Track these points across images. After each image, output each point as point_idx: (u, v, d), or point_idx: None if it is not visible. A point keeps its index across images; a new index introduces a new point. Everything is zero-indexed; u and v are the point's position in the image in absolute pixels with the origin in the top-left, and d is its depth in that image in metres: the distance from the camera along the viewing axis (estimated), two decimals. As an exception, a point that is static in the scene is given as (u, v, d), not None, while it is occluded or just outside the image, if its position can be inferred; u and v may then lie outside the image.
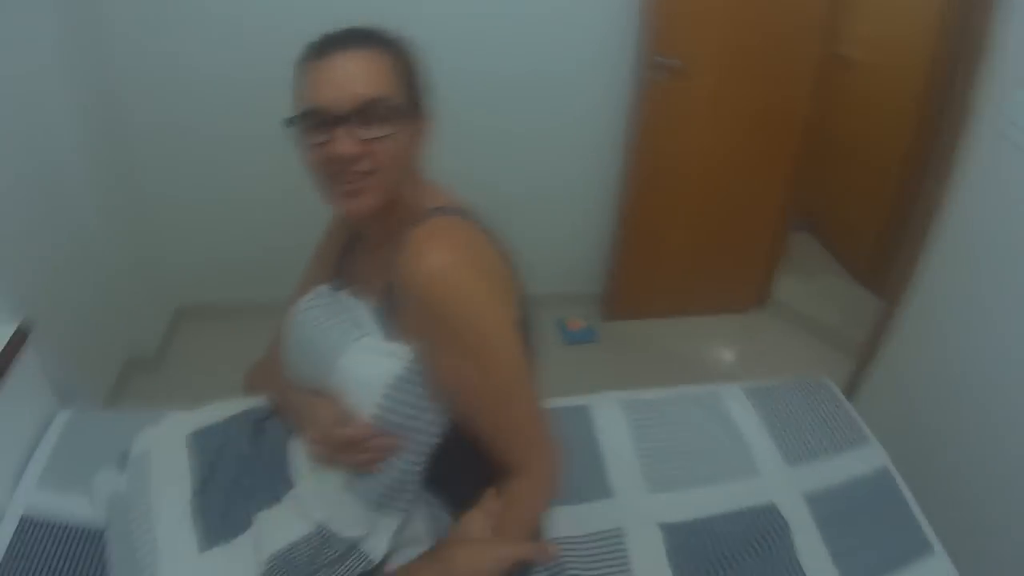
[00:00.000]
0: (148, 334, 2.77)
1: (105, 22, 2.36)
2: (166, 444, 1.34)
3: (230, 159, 2.71)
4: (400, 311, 1.03)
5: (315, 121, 0.95)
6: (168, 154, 2.67)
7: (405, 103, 0.99)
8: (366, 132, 0.94)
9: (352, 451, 1.03)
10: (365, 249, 1.19)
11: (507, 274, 1.08)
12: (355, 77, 0.95)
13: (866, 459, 1.65)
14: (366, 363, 1.03)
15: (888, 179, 3.39)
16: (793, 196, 3.09)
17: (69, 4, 2.16)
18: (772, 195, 3.04)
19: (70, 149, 2.24)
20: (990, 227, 1.87)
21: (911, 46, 3.21)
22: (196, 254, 2.92)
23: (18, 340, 1.52)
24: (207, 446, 1.32)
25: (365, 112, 0.94)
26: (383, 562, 1.08)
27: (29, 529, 1.34)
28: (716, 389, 1.83)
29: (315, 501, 1.11)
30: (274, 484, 1.19)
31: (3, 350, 1.47)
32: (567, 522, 1.42)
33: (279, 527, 1.12)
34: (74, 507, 1.38)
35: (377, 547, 1.07)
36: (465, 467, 1.08)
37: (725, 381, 1.90)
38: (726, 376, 2.86)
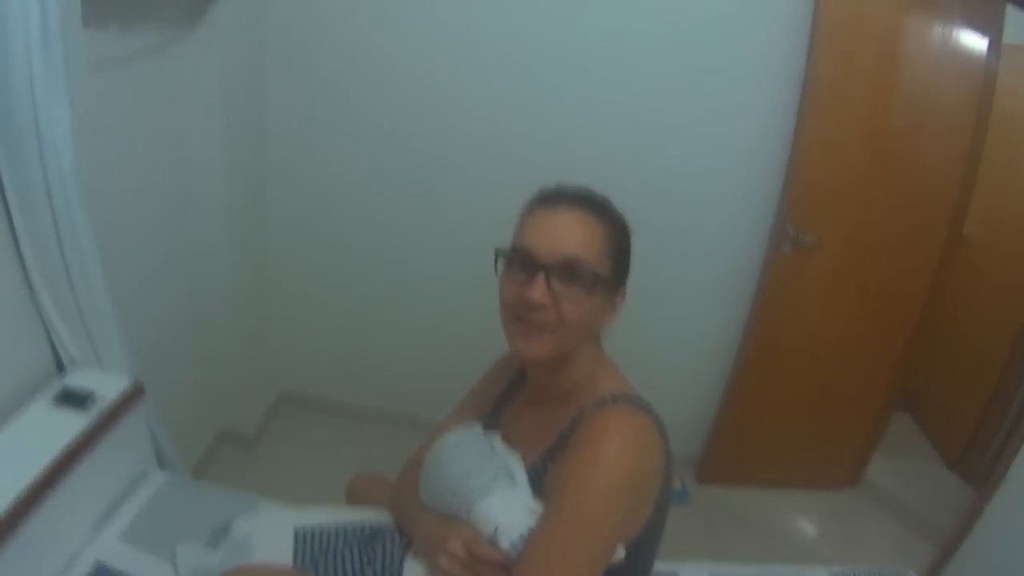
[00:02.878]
0: (248, 412, 2.82)
1: (268, 123, 2.57)
2: (270, 533, 1.36)
3: (361, 266, 2.81)
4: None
5: (521, 261, 1.01)
6: (302, 247, 2.80)
7: (605, 275, 1.03)
8: (560, 287, 0.99)
9: (484, 571, 1.01)
10: (527, 400, 1.22)
11: (659, 479, 1.06)
12: (570, 235, 1.01)
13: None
14: (509, 512, 1.01)
15: (993, 365, 3.24)
16: (901, 376, 2.98)
17: (235, 105, 2.34)
18: (881, 374, 2.95)
19: (212, 227, 2.37)
20: None
21: None
22: (310, 346, 2.99)
23: (131, 394, 1.58)
24: (314, 544, 1.32)
25: (566, 269, 0.99)
26: None
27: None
28: (803, 572, 1.74)
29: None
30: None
31: (115, 402, 1.52)
32: None
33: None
34: (151, 566, 1.38)
35: None
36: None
37: (809, 558, 1.81)
38: (810, 553, 2.73)
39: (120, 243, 1.74)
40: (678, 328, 2.86)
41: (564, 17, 2.41)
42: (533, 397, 1.20)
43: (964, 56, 2.53)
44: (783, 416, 2.97)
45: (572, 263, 1.00)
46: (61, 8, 1.30)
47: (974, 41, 2.52)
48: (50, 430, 1.38)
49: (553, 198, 1.07)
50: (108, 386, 1.54)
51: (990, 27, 2.51)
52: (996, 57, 2.52)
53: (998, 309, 3.30)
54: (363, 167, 2.64)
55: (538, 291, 0.99)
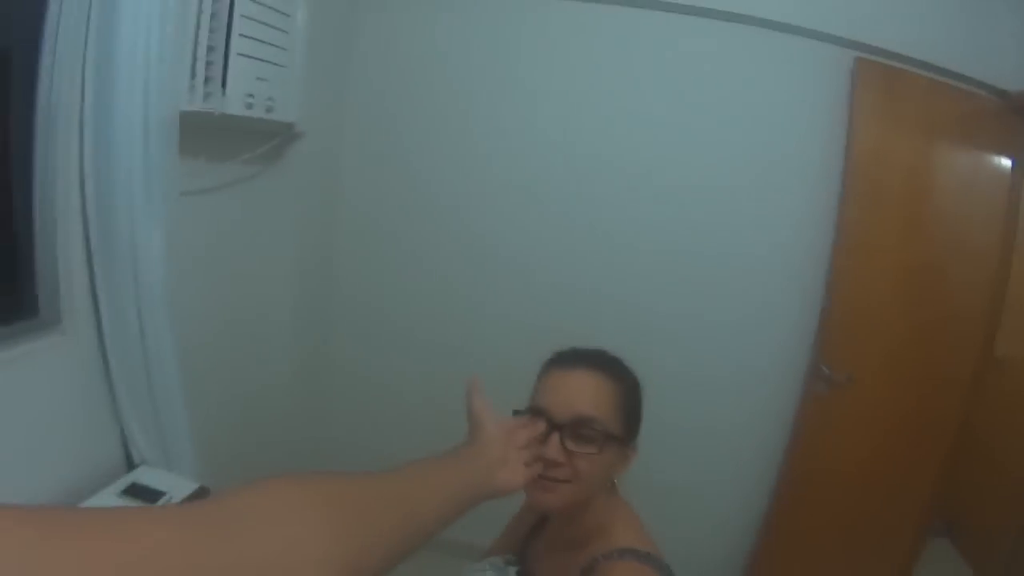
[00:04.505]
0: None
1: (335, 264, 2.80)
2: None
3: (423, 408, 2.90)
4: None
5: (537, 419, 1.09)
6: (366, 380, 2.94)
7: (617, 431, 1.11)
8: (574, 445, 1.06)
9: None
10: (548, 543, 1.27)
11: None
12: (582, 396, 1.10)
13: None
14: None
15: None
16: (937, 501, 2.92)
17: (307, 241, 2.58)
18: (917, 500, 2.89)
19: (278, 343, 2.53)
20: None
21: None
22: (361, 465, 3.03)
23: (196, 498, 1.66)
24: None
25: (579, 427, 1.07)
26: None
27: None
28: None
29: None
30: None
31: (182, 502, 1.61)
32: None
33: None
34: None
35: None
36: None
37: None
38: None
39: (194, 357, 1.87)
40: (717, 466, 2.87)
41: (619, 180, 2.63)
42: (554, 541, 1.25)
43: (988, 181, 2.61)
44: (819, 550, 2.89)
45: (584, 423, 1.07)
46: (162, 140, 1.50)
47: (998, 165, 2.60)
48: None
49: (566, 360, 1.16)
50: (176, 487, 1.63)
51: (1013, 149, 2.59)
52: (1020, 178, 2.59)
53: None
54: (426, 313, 2.84)
55: (552, 450, 1.05)
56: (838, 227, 2.53)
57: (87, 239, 1.49)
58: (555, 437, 1.06)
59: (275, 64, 2.01)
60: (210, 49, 1.70)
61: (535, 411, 1.10)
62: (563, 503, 1.08)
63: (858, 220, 2.51)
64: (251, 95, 1.89)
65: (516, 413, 1.11)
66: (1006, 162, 2.60)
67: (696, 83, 2.57)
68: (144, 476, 1.63)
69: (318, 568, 0.53)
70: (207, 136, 1.86)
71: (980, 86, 2.56)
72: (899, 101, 2.50)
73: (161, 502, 1.56)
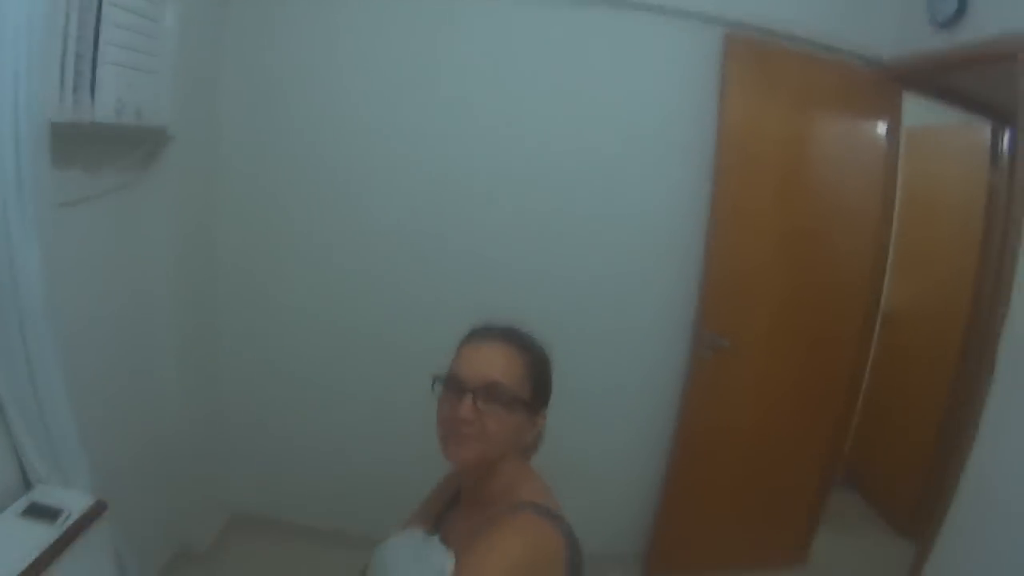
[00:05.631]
0: (202, 531, 2.85)
1: (218, 254, 2.76)
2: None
3: (313, 390, 2.93)
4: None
5: (452, 386, 1.23)
6: (254, 371, 2.92)
7: (524, 396, 1.25)
8: (484, 406, 1.20)
9: None
10: (463, 510, 1.37)
11: None
12: (492, 363, 1.24)
13: None
14: None
15: (928, 433, 3.42)
16: (836, 455, 3.13)
17: (187, 237, 2.54)
18: (815, 455, 3.10)
19: (165, 353, 2.49)
20: (1013, 475, 1.93)
21: (948, 302, 3.39)
22: (263, 467, 3.03)
23: (95, 510, 1.65)
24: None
25: (488, 391, 1.20)
26: None
27: None
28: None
29: None
30: None
31: (82, 517, 1.60)
32: None
33: None
34: None
35: None
36: None
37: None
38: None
39: (80, 368, 1.84)
40: (612, 431, 3.01)
41: (504, 144, 2.71)
42: (466, 507, 1.35)
43: (865, 147, 2.80)
44: (721, 504, 3.05)
45: (493, 386, 1.21)
46: (33, 152, 1.47)
47: (874, 131, 2.78)
48: (18, 542, 1.45)
49: (481, 333, 1.30)
50: (73, 503, 1.62)
51: (888, 115, 2.78)
52: (896, 142, 2.78)
53: (927, 379, 3.50)
54: (313, 296, 2.83)
55: (465, 409, 1.19)
56: (713, 197, 2.67)
57: (-39, 256, 1.45)
58: (468, 398, 1.19)
59: (144, 70, 1.98)
60: (78, 57, 1.67)
61: (451, 377, 1.23)
62: (473, 456, 1.20)
63: (732, 188, 2.65)
64: (120, 101, 1.86)
65: (435, 379, 1.25)
66: (881, 127, 2.79)
67: (570, 65, 2.67)
68: (41, 495, 1.61)
69: None
70: (79, 145, 1.83)
71: (854, 56, 2.74)
72: (771, 74, 2.64)
73: (60, 520, 1.55)
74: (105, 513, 1.69)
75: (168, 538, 2.70)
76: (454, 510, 1.41)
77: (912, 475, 3.52)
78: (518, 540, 1.12)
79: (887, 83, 2.77)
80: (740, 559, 3.18)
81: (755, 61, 2.63)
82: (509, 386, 1.22)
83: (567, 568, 1.16)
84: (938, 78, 2.79)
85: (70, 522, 1.56)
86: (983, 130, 3.30)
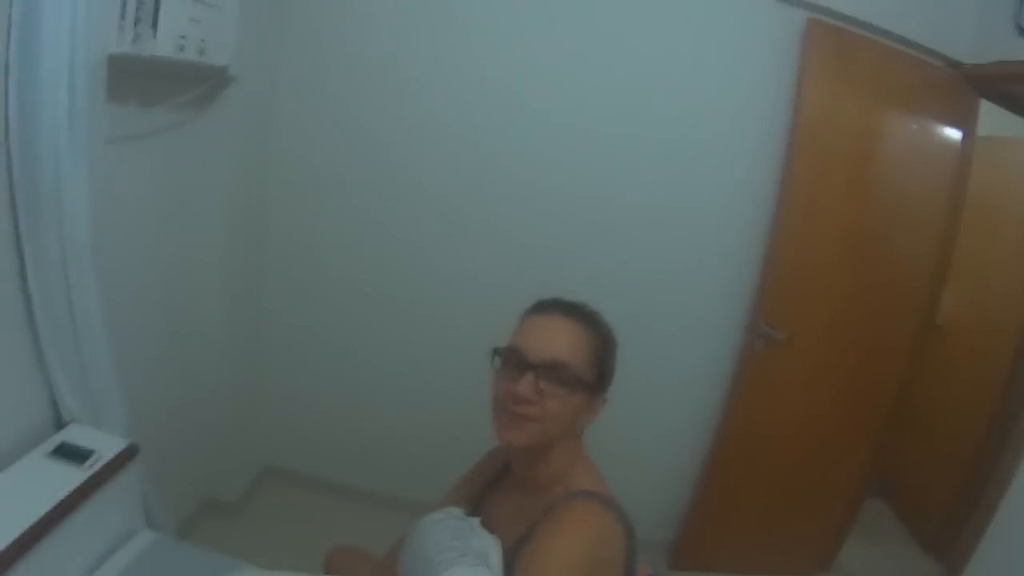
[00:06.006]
0: (233, 482, 2.85)
1: (269, 207, 2.72)
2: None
3: (351, 349, 2.91)
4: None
5: (513, 360, 1.14)
6: (294, 328, 2.89)
7: (588, 378, 1.16)
8: (545, 386, 1.11)
9: None
10: (509, 491, 1.31)
11: (617, 569, 1.12)
12: (557, 340, 1.15)
13: None
14: None
15: (966, 448, 3.32)
16: (874, 463, 3.04)
17: (239, 186, 2.50)
18: (854, 462, 3.01)
19: (209, 303, 2.47)
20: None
21: (1004, 319, 3.27)
22: (297, 423, 3.03)
23: (127, 454, 1.63)
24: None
25: (552, 370, 1.12)
26: None
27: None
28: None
29: None
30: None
31: (112, 460, 1.57)
32: None
33: None
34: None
35: None
36: None
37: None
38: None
39: (123, 311, 1.82)
40: (656, 419, 2.93)
41: (561, 129, 2.60)
42: (515, 487, 1.28)
43: (937, 151, 2.66)
44: (755, 504, 2.99)
45: (557, 366, 1.12)
46: (89, 85, 1.42)
47: (947, 136, 2.64)
48: (47, 482, 1.43)
49: (548, 307, 1.21)
50: (105, 445, 1.59)
51: (963, 121, 2.64)
52: (969, 150, 2.64)
53: (971, 395, 3.39)
54: (359, 259, 2.78)
55: (525, 387, 1.11)
56: (783, 185, 2.56)
57: (11, 188, 1.41)
58: (529, 376, 1.11)
59: (208, 4, 1.91)
60: (141, -12, 1.61)
61: (512, 351, 1.15)
62: (529, 440, 1.13)
63: (803, 179, 2.54)
64: (183, 37, 1.80)
65: (495, 351, 1.18)
66: (955, 133, 2.65)
67: (645, 35, 2.54)
68: (73, 435, 1.59)
69: None
70: (136, 80, 1.77)
71: (933, 55, 2.60)
72: (850, 64, 2.51)
73: (89, 462, 1.52)
74: (136, 457, 1.67)
75: (198, 486, 2.71)
76: (498, 490, 1.35)
77: (944, 492, 3.43)
78: (583, 533, 1.06)
79: (965, 87, 2.62)
80: (766, 561, 3.13)
81: (835, 49, 2.50)
82: (574, 367, 1.14)
83: (626, 556, 1.12)
84: (1018, 89, 2.61)
85: (100, 465, 1.54)
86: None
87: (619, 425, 2.71)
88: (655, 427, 2.94)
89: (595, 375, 1.18)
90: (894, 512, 3.86)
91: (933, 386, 3.56)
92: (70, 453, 1.52)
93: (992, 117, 2.84)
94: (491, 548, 1.14)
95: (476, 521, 1.22)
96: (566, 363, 1.13)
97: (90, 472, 1.50)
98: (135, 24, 1.61)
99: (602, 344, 1.21)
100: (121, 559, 1.58)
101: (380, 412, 2.97)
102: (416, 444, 2.90)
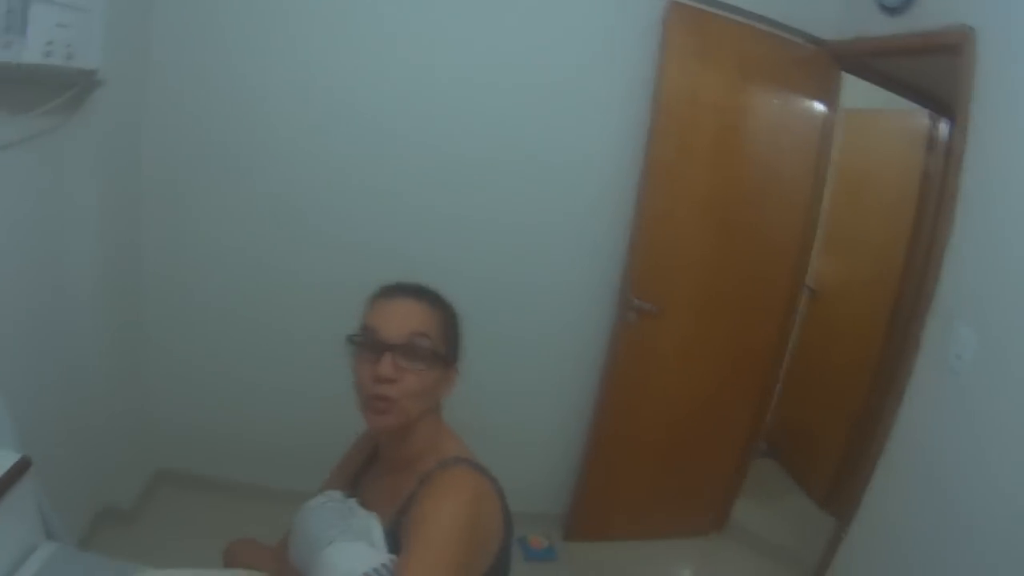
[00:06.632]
0: (127, 488, 2.79)
1: (144, 197, 2.65)
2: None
3: (239, 342, 2.89)
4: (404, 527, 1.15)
5: (371, 343, 1.19)
6: (179, 322, 2.85)
7: (441, 352, 1.23)
8: (404, 363, 1.17)
9: None
10: (382, 472, 1.37)
11: (498, 534, 1.21)
12: (409, 319, 1.21)
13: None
14: (350, 557, 1.11)
15: (850, 407, 3.53)
16: (758, 425, 3.20)
17: (113, 178, 2.43)
18: (739, 425, 3.17)
19: (84, 298, 2.39)
20: (934, 449, 2.01)
21: (876, 281, 3.49)
22: (187, 422, 2.98)
23: (18, 469, 1.59)
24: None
25: (409, 347, 1.18)
26: None
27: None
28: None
29: None
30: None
31: (4, 475, 1.53)
32: None
33: None
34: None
35: None
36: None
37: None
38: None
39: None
40: (537, 395, 3.04)
41: (432, 84, 2.66)
42: (386, 467, 1.35)
43: (801, 124, 2.83)
44: (643, 471, 3.11)
45: (413, 342, 1.19)
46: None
47: (811, 108, 2.81)
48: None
49: (392, 291, 1.27)
50: (-2, 459, 1.56)
51: (826, 95, 2.81)
52: (831, 121, 2.82)
53: (852, 355, 3.60)
54: (236, 262, 2.77)
55: (386, 367, 1.16)
56: (645, 162, 2.67)
57: None
58: (388, 356, 1.16)
59: (76, 8, 1.87)
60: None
61: (368, 332, 1.20)
62: (396, 422, 1.19)
63: (666, 157, 2.65)
64: (50, 42, 1.76)
65: (350, 337, 1.21)
66: (819, 106, 2.82)
67: (505, 16, 2.63)
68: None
69: None
70: (3, 88, 1.73)
71: (797, 34, 2.76)
72: (711, 42, 2.64)
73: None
74: (30, 470, 1.64)
75: (93, 495, 2.65)
76: (370, 473, 1.41)
77: (833, 448, 3.63)
78: (462, 495, 1.13)
79: (827, 62, 2.81)
80: (661, 527, 3.26)
81: (696, 27, 2.63)
82: (430, 342, 1.21)
83: (502, 518, 1.21)
84: (880, 63, 2.84)
85: (-6, 481, 1.51)
86: (920, 116, 3.37)
87: (502, 405, 2.85)
88: (537, 404, 3.05)
89: (446, 348, 1.26)
90: (787, 471, 4.06)
91: (814, 349, 3.82)
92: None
93: (859, 90, 3.08)
94: (372, 524, 1.20)
95: (354, 502, 1.27)
96: (423, 333, 1.20)
97: (-15, 489, 1.47)
98: (5, 31, 1.57)
99: (449, 319, 1.29)
100: (26, 573, 1.55)
101: (269, 405, 2.97)
102: (307, 436, 2.88)
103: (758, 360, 3.08)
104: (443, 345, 1.24)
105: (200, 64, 2.56)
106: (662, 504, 3.21)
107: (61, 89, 2.00)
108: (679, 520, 3.30)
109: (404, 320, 1.20)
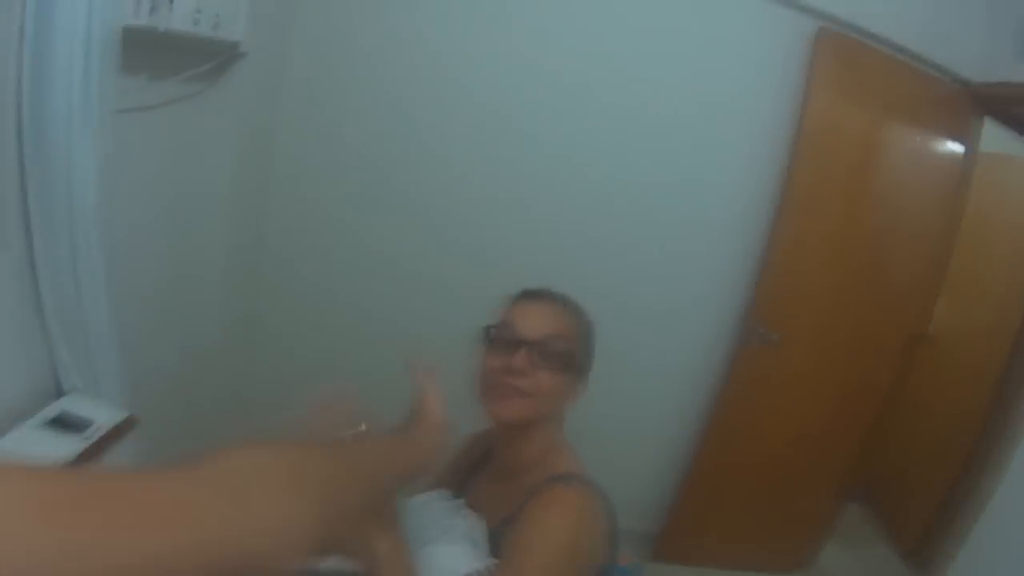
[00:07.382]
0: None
1: (274, 179, 2.70)
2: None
3: (355, 321, 2.91)
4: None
5: (505, 339, 1.18)
6: (298, 297, 2.89)
7: (575, 357, 1.21)
8: (539, 360, 1.16)
9: None
10: (491, 477, 1.34)
11: (599, 557, 1.15)
12: (550, 319, 1.21)
13: None
14: (447, 558, 1.09)
15: (950, 462, 3.32)
16: (857, 467, 3.10)
17: (245, 155, 2.48)
18: (838, 466, 3.07)
19: (209, 263, 2.45)
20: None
21: (994, 329, 3.29)
22: (297, 389, 2.98)
23: (124, 426, 1.63)
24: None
25: (546, 345, 1.16)
26: None
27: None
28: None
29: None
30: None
31: (109, 432, 1.57)
32: None
33: None
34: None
35: None
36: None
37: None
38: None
39: (125, 282, 1.81)
40: (647, 413, 2.98)
41: (571, 102, 2.62)
42: (497, 472, 1.32)
43: (938, 165, 2.69)
44: (739, 500, 3.04)
45: (551, 340, 1.17)
46: (103, 54, 1.42)
47: (949, 150, 2.67)
48: (45, 450, 1.43)
49: (533, 293, 1.27)
50: (104, 415, 1.59)
51: (966, 137, 2.67)
52: (970, 166, 2.68)
53: (959, 406, 3.40)
54: (366, 233, 2.78)
55: (520, 360, 1.15)
56: (783, 189, 2.59)
57: (20, 154, 1.41)
58: (523, 350, 1.15)
59: (225, -22, 1.91)
60: (160, -40, 1.60)
61: (506, 327, 1.20)
62: (519, 414, 1.17)
63: (804, 185, 2.57)
64: (199, 11, 1.79)
65: (488, 328, 1.22)
66: (958, 148, 2.68)
67: (653, 36, 2.57)
68: (72, 404, 1.58)
69: (292, 545, 0.52)
70: (147, 52, 1.76)
71: (942, 71, 2.63)
72: (858, 74, 2.54)
73: (88, 432, 1.52)
74: (135, 428, 1.67)
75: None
76: (481, 473, 1.38)
77: (927, 502, 3.45)
78: (568, 514, 1.10)
79: (970, 104, 2.67)
80: (746, 558, 3.19)
81: (844, 58, 2.54)
82: (565, 339, 1.19)
83: (608, 540, 1.17)
84: (1021, 109, 2.67)
85: (98, 435, 1.54)
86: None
87: (611, 417, 2.75)
88: (646, 421, 2.98)
89: (581, 357, 1.23)
90: (876, 518, 3.90)
91: (922, 395, 3.59)
92: (69, 422, 1.52)
93: (997, 135, 2.89)
94: (476, 528, 1.17)
95: (461, 502, 1.25)
96: (561, 335, 1.19)
97: (89, 442, 1.50)
98: (151, -3, 1.60)
99: (585, 330, 1.27)
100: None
101: (376, 383, 2.93)
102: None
103: (866, 403, 2.97)
104: (577, 352, 1.22)
105: (342, 50, 2.59)
106: (752, 536, 3.15)
107: (204, 58, 2.04)
108: (766, 554, 3.21)
109: (543, 320, 1.21)
